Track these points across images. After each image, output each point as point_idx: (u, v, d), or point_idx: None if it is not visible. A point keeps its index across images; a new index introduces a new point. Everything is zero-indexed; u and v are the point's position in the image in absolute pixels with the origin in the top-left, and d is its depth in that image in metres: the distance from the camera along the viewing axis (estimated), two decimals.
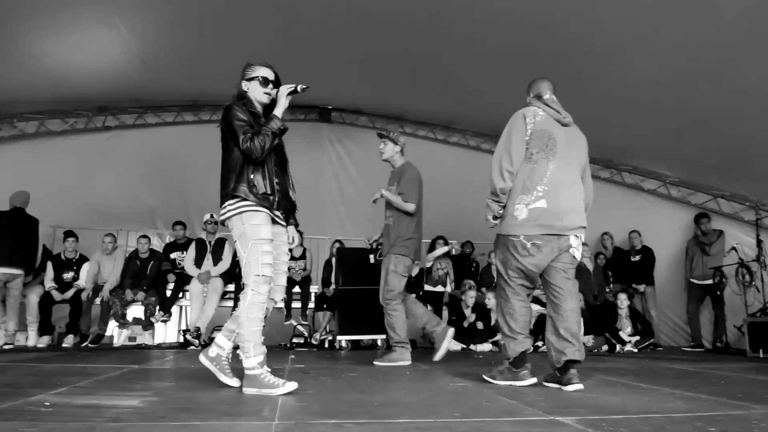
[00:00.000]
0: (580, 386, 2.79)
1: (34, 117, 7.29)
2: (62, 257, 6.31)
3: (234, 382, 2.70)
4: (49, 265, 6.23)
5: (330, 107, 8.92)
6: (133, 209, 7.86)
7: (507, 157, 3.00)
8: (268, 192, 2.67)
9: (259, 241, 2.57)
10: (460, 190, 7.81)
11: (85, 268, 6.30)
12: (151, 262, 6.43)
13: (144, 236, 6.71)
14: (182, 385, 2.81)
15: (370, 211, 8.68)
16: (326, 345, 6.24)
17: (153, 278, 6.33)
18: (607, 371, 3.85)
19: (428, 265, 6.99)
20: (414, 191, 4.47)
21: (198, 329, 5.82)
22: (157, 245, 7.39)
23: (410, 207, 4.40)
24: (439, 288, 6.92)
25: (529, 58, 6.02)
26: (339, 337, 5.95)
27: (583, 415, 2.03)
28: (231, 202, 2.62)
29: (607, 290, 7.06)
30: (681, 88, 5.76)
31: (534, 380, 2.96)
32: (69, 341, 5.96)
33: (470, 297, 6.34)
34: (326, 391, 2.67)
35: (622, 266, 7.42)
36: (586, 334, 6.21)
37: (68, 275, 6.24)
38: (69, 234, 6.36)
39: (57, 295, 6.07)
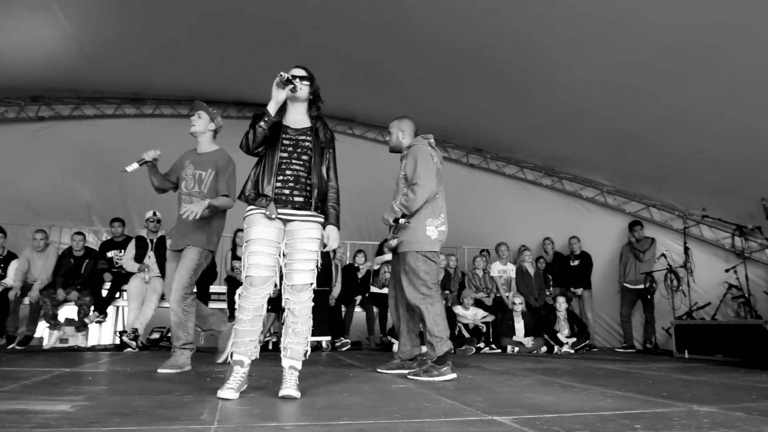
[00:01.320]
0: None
1: None
2: None
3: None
4: None
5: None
6: (68, 205, 7.51)
7: (433, 188, 3.61)
8: (262, 191, 2.65)
9: (247, 243, 2.64)
10: None
11: (13, 265, 5.97)
12: (87, 261, 6.15)
13: (79, 233, 6.41)
14: (116, 389, 2.71)
15: None
16: (270, 347, 6.15)
17: (88, 277, 6.06)
18: (545, 371, 3.98)
19: (376, 267, 7.02)
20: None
21: (135, 330, 5.61)
22: (93, 243, 7.09)
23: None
24: (386, 290, 6.95)
25: (476, 66, 6.19)
26: None
27: (519, 414, 2.10)
28: None
29: (547, 293, 7.31)
30: (618, 102, 6.05)
31: (454, 375, 3.36)
32: None
33: None
34: (268, 394, 2.64)
35: (561, 270, 7.70)
36: (526, 335, 6.42)
37: None
38: None
39: None
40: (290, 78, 2.63)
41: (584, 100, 6.23)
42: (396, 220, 3.61)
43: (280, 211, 2.63)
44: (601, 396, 2.70)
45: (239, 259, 6.60)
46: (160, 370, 3.44)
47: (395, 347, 6.09)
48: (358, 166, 8.72)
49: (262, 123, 2.62)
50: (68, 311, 6.04)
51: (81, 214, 7.64)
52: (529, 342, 6.34)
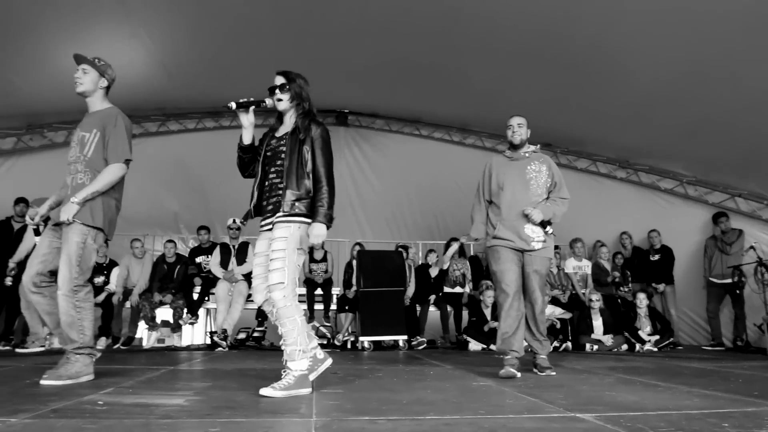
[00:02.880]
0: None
1: (63, 127, 7.54)
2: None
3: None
4: None
5: (347, 111, 9.06)
6: (158, 214, 8.10)
7: None
8: (250, 206, 2.85)
9: None
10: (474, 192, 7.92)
11: (115, 272, 6.53)
12: (178, 266, 6.64)
13: (170, 241, 6.92)
14: (218, 386, 2.96)
15: (387, 213, 8.87)
16: (348, 346, 6.38)
17: (180, 281, 6.54)
18: (627, 370, 3.93)
19: (445, 266, 7.10)
20: None
21: (225, 331, 5.99)
22: (181, 249, 7.60)
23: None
24: (458, 289, 7.03)
25: (543, 60, 6.13)
26: (361, 338, 6.09)
27: (601, 412, 2.14)
28: None
29: (626, 289, 7.10)
30: (695, 87, 5.82)
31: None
32: (102, 343, 6.17)
33: (488, 297, 6.44)
34: (355, 390, 2.80)
35: (641, 265, 7.45)
36: (605, 333, 6.29)
37: (99, 279, 6.46)
38: None
39: None
40: (232, 107, 2.73)
41: (658, 87, 6.03)
42: (543, 223, 3.56)
43: (263, 222, 2.79)
44: (687, 395, 2.67)
45: (316, 261, 6.90)
46: (43, 382, 2.80)
47: (471, 346, 6.17)
48: (425, 166, 8.86)
49: (238, 150, 2.87)
50: (164, 313, 6.54)
51: (169, 223, 8.23)
52: (608, 340, 6.20)
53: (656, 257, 7.44)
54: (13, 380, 3.01)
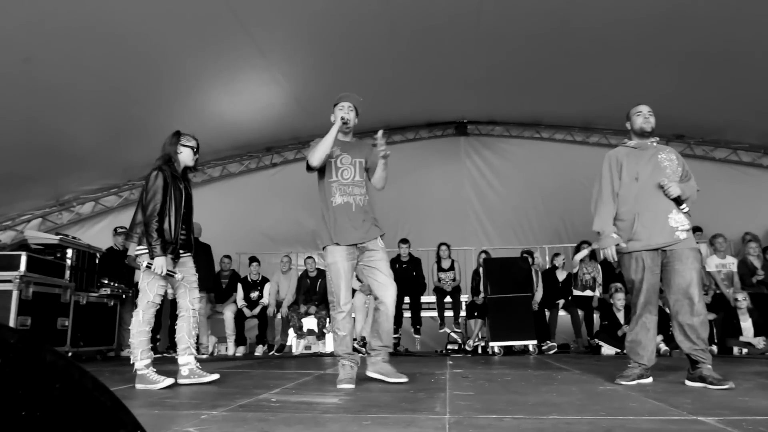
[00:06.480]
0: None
1: (218, 163, 8.70)
2: (249, 279, 7.46)
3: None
4: (239, 286, 7.41)
5: (465, 121, 9.31)
6: (298, 233, 8.96)
7: None
8: None
9: None
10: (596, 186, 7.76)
11: (267, 287, 7.39)
12: (319, 280, 7.33)
13: (310, 257, 7.66)
14: (363, 388, 3.38)
15: (512, 218, 8.95)
16: (479, 351, 6.60)
17: (322, 294, 7.22)
18: None
19: (574, 270, 7.05)
20: None
21: (364, 338, 6.53)
22: (320, 264, 8.33)
23: None
24: (588, 292, 6.95)
25: (662, 53, 5.95)
26: (491, 344, 6.29)
27: (726, 415, 2.20)
28: None
29: None
30: None
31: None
32: (259, 350, 7.04)
33: (619, 300, 6.28)
34: (485, 392, 3.06)
35: None
36: (756, 335, 5.87)
37: (254, 294, 7.36)
38: (253, 260, 7.50)
39: (247, 312, 7.21)
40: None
41: None
42: (678, 201, 3.33)
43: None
44: None
45: (444, 270, 7.23)
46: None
47: (604, 350, 6.10)
48: (549, 168, 8.82)
49: None
50: (310, 323, 7.27)
51: (308, 240, 9.04)
52: (760, 342, 5.77)
53: None
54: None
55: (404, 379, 3.39)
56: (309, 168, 3.56)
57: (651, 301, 3.33)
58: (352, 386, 3.29)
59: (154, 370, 3.48)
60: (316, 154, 3.44)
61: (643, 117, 3.51)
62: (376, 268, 3.53)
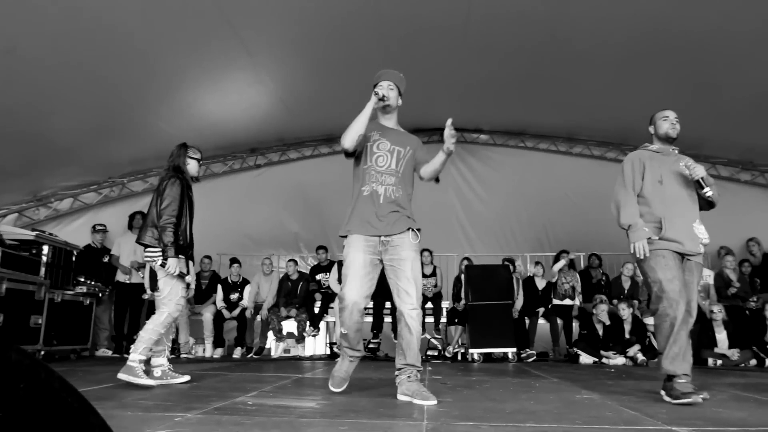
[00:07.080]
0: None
1: (202, 163, 8.56)
2: (229, 281, 7.39)
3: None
4: (219, 287, 7.34)
5: None
6: (280, 235, 8.90)
7: None
8: None
9: None
10: (584, 201, 7.87)
11: (248, 289, 7.32)
12: (301, 283, 7.30)
13: (292, 260, 7.62)
14: (342, 392, 3.36)
15: (495, 226, 9.00)
16: (459, 357, 6.61)
17: (303, 297, 7.19)
18: (746, 387, 3.81)
19: (553, 279, 7.11)
20: None
21: (333, 344, 6.50)
22: (301, 267, 8.31)
23: None
24: (567, 301, 7.01)
25: (645, 67, 6.02)
26: (471, 350, 6.30)
27: (700, 426, 2.22)
28: None
29: (755, 300, 6.64)
30: None
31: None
32: (237, 353, 6.97)
33: (602, 311, 6.33)
34: (463, 399, 3.07)
35: None
36: (730, 347, 5.97)
37: (234, 296, 7.30)
38: (234, 261, 7.44)
39: (226, 314, 7.14)
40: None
41: None
42: (700, 184, 3.20)
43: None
44: None
45: (425, 276, 7.23)
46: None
47: (582, 359, 6.14)
48: (532, 177, 8.89)
49: None
50: (290, 326, 7.22)
51: (291, 243, 9.00)
52: (734, 354, 5.87)
53: None
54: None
55: (433, 402, 2.82)
56: (345, 153, 3.21)
57: (685, 307, 3.06)
58: (339, 389, 3.23)
59: (144, 369, 3.48)
60: (349, 134, 3.09)
61: (670, 123, 3.39)
62: (400, 269, 3.08)
